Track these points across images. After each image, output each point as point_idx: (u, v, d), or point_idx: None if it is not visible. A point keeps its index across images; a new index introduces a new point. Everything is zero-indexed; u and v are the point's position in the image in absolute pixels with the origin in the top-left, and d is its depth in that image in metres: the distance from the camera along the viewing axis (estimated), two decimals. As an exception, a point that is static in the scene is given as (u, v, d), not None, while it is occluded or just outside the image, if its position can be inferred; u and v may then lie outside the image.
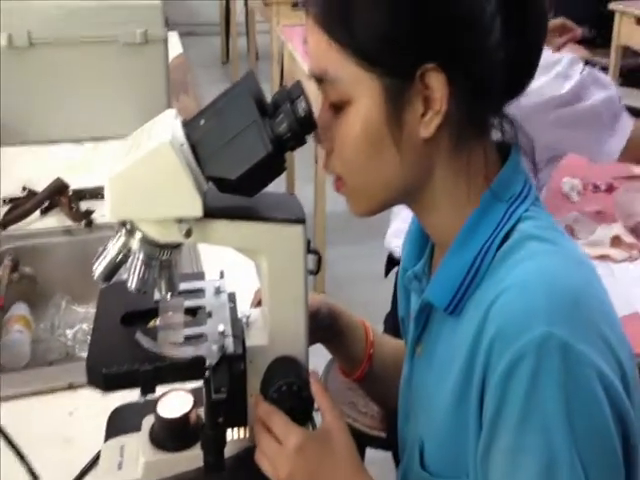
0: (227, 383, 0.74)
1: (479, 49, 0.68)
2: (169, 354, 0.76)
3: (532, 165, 0.78)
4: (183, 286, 0.85)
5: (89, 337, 0.87)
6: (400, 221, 1.71)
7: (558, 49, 2.08)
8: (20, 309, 1.38)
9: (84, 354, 1.36)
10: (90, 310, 1.43)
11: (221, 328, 0.78)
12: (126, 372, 0.75)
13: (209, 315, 0.83)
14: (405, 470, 0.87)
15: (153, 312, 0.83)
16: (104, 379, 0.76)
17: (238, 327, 0.81)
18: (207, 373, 0.75)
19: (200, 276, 0.91)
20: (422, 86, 0.68)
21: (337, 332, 0.96)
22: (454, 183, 0.74)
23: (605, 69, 4.07)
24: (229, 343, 0.77)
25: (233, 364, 0.76)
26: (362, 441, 1.62)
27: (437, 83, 0.67)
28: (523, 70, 0.73)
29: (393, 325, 1.54)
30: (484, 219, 0.72)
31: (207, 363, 0.75)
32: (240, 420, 0.82)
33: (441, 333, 0.77)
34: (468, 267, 0.71)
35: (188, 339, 0.79)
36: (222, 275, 0.90)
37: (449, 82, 0.67)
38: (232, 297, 0.87)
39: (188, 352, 0.77)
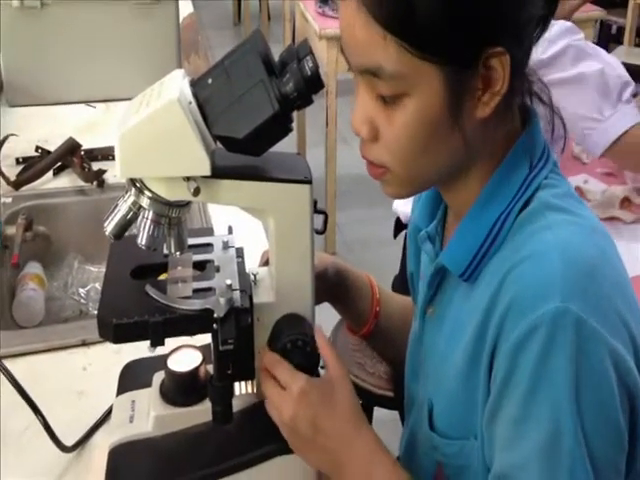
0: (234, 335, 0.75)
1: (527, 20, 0.67)
2: (178, 306, 0.78)
3: (550, 132, 0.78)
4: (192, 241, 0.86)
5: (101, 291, 0.89)
6: None
7: (572, 12, 2.03)
8: (34, 267, 1.40)
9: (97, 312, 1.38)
10: (102, 269, 1.44)
11: (229, 282, 0.79)
12: (136, 323, 0.76)
13: (217, 269, 0.84)
14: (412, 428, 0.89)
15: (163, 266, 0.85)
16: (114, 330, 0.77)
17: (246, 281, 0.82)
18: (215, 325, 0.76)
19: (209, 232, 0.92)
20: (484, 69, 0.67)
21: (344, 290, 0.97)
22: (491, 157, 0.73)
23: (622, 29, 4.00)
24: (237, 296, 0.78)
25: (240, 317, 0.77)
26: (370, 401, 1.64)
27: (500, 65, 0.66)
28: (545, 27, 0.72)
29: (401, 287, 1.55)
30: (504, 185, 0.72)
31: (215, 315, 0.76)
32: (248, 373, 0.83)
33: (454, 297, 0.78)
34: (486, 234, 0.71)
35: (196, 292, 0.80)
36: (230, 230, 0.91)
37: (511, 61, 0.67)
38: (240, 252, 0.88)
39: (196, 304, 0.78)
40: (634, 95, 1.51)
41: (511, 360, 0.65)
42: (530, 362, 0.63)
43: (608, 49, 3.63)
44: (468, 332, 0.72)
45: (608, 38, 4.47)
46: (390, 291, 1.06)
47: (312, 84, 0.71)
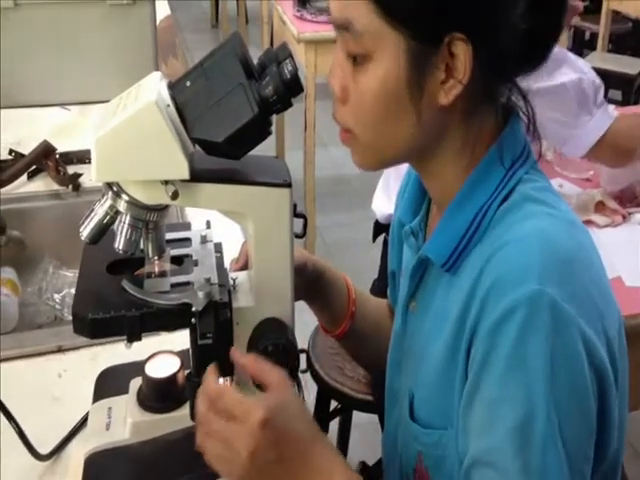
0: (213, 329, 0.74)
1: (504, 22, 0.68)
2: (155, 301, 0.76)
3: (533, 135, 0.79)
4: (169, 235, 0.85)
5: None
6: (387, 189, 1.72)
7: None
8: (7, 273, 1.38)
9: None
10: (77, 274, 1.43)
11: (207, 276, 0.78)
12: (112, 318, 0.74)
13: (195, 264, 0.83)
14: (395, 422, 0.89)
15: (139, 261, 0.83)
16: (90, 324, 0.75)
17: (224, 276, 0.81)
18: (193, 320, 0.75)
19: (186, 226, 0.91)
20: (447, 54, 0.68)
21: (321, 288, 0.96)
22: (462, 147, 0.75)
23: (595, 35, 4.06)
24: (215, 291, 0.77)
25: (219, 310, 0.76)
26: (349, 404, 1.65)
27: (463, 54, 0.68)
28: (541, 44, 0.74)
29: (379, 291, 1.55)
30: (484, 180, 0.74)
31: (193, 309, 0.75)
32: (226, 370, 0.80)
33: (437, 289, 0.78)
34: (467, 225, 0.73)
35: (174, 287, 0.79)
36: (208, 225, 0.90)
37: (474, 54, 0.68)
38: (219, 247, 0.87)
39: (174, 299, 0.77)
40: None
41: (488, 342, 0.66)
42: (506, 343, 0.64)
43: (582, 55, 3.68)
44: (449, 321, 0.73)
45: (582, 44, 4.53)
46: (366, 292, 1.06)
47: (291, 87, 0.71)
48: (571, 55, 1.52)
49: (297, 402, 0.74)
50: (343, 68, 0.73)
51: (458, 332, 0.71)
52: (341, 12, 0.70)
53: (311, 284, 0.94)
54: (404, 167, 0.89)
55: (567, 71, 1.47)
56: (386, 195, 1.70)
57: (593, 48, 4.01)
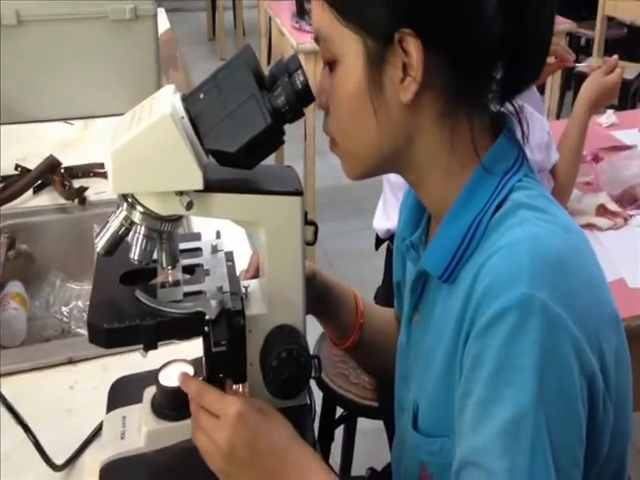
0: (227, 336, 0.76)
1: (462, 21, 0.69)
2: (169, 310, 0.77)
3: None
4: (181, 246, 0.86)
5: (85, 313, 0.87)
6: (385, 207, 1.73)
7: (547, 75, 2.06)
8: (15, 287, 1.38)
9: (80, 330, 1.37)
10: (85, 287, 1.44)
11: (219, 284, 0.79)
12: (127, 327, 0.76)
13: (207, 273, 0.85)
14: (403, 433, 0.90)
15: (152, 271, 0.84)
16: (106, 334, 0.76)
17: (236, 284, 0.82)
18: (206, 328, 0.76)
19: (197, 237, 0.93)
20: (401, 51, 0.69)
21: (330, 301, 0.97)
22: (438, 151, 0.75)
23: (590, 41, 4.08)
24: (227, 299, 0.78)
25: (232, 318, 0.77)
26: (354, 411, 1.65)
27: (413, 50, 0.69)
28: (525, 62, 0.74)
29: (384, 298, 1.56)
30: (477, 190, 0.74)
31: (206, 317, 0.76)
32: (240, 377, 0.83)
33: (437, 300, 0.79)
34: (462, 236, 0.73)
35: (187, 295, 0.81)
36: (218, 235, 0.92)
37: (425, 50, 0.69)
38: (230, 256, 0.89)
39: (188, 307, 0.78)
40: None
41: (479, 344, 0.66)
42: (496, 344, 0.64)
43: (578, 60, 3.70)
44: (448, 330, 0.73)
45: (577, 50, 4.56)
46: (372, 303, 1.07)
47: (303, 97, 0.72)
48: (537, 115, 1.52)
49: (273, 410, 0.79)
50: (324, 78, 0.76)
51: (455, 340, 0.71)
52: (314, 23, 0.74)
53: (320, 297, 0.95)
54: (399, 183, 0.90)
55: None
56: (385, 215, 1.71)
57: (589, 54, 4.03)
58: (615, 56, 1.64)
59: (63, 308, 1.42)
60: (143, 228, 0.76)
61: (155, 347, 0.77)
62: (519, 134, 0.78)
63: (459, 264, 0.74)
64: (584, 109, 1.59)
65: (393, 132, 0.73)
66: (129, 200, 0.75)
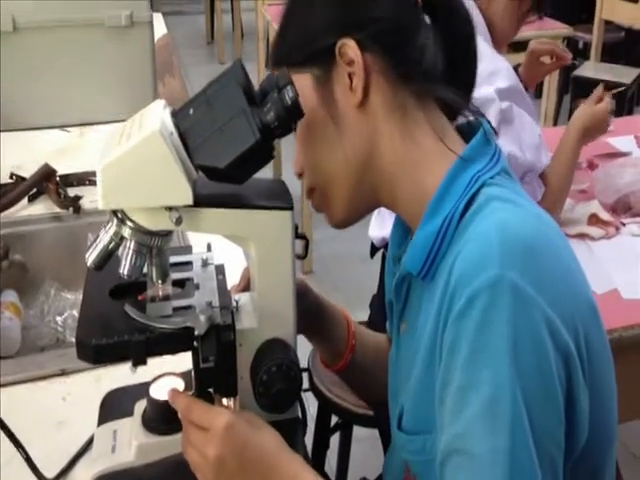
0: (215, 352, 0.75)
1: (386, 17, 0.74)
2: (158, 325, 0.77)
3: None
4: (171, 259, 0.86)
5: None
6: (379, 218, 1.73)
7: (544, 74, 2.06)
8: (9, 296, 1.38)
9: (74, 340, 1.37)
10: (79, 296, 1.43)
11: (209, 299, 0.79)
12: (116, 343, 0.75)
13: (197, 287, 0.84)
14: (394, 440, 0.89)
15: (141, 285, 0.84)
16: (94, 350, 0.76)
17: (226, 298, 0.82)
18: (195, 343, 0.76)
19: (188, 250, 0.92)
20: (343, 63, 0.75)
21: (321, 322, 0.97)
22: (405, 149, 0.77)
23: (588, 44, 4.09)
24: (216, 314, 0.78)
25: (221, 333, 0.77)
26: (350, 419, 1.65)
27: (353, 53, 0.74)
28: (457, 59, 0.78)
29: (379, 306, 1.56)
30: (449, 191, 0.75)
31: (196, 333, 0.76)
32: (230, 391, 0.82)
33: (421, 305, 0.79)
34: (436, 232, 0.74)
35: (176, 310, 0.80)
36: (209, 248, 0.92)
37: (362, 50, 0.74)
38: (221, 269, 0.88)
39: (177, 323, 0.77)
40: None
41: (454, 329, 0.66)
42: (470, 328, 0.65)
43: (576, 65, 3.71)
44: (429, 325, 0.73)
45: (575, 54, 4.56)
46: (364, 327, 1.06)
47: (292, 113, 0.72)
48: (518, 120, 1.50)
49: (262, 421, 0.79)
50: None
51: (435, 332, 0.71)
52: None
53: (312, 313, 0.95)
54: None
55: (503, 142, 1.40)
56: (380, 224, 1.71)
57: (586, 58, 4.04)
58: (600, 86, 1.65)
59: (57, 317, 1.41)
60: (133, 243, 0.75)
61: (144, 363, 0.77)
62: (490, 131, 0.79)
63: (436, 259, 0.74)
64: (575, 136, 1.57)
65: (355, 140, 0.77)
66: (119, 215, 0.74)
